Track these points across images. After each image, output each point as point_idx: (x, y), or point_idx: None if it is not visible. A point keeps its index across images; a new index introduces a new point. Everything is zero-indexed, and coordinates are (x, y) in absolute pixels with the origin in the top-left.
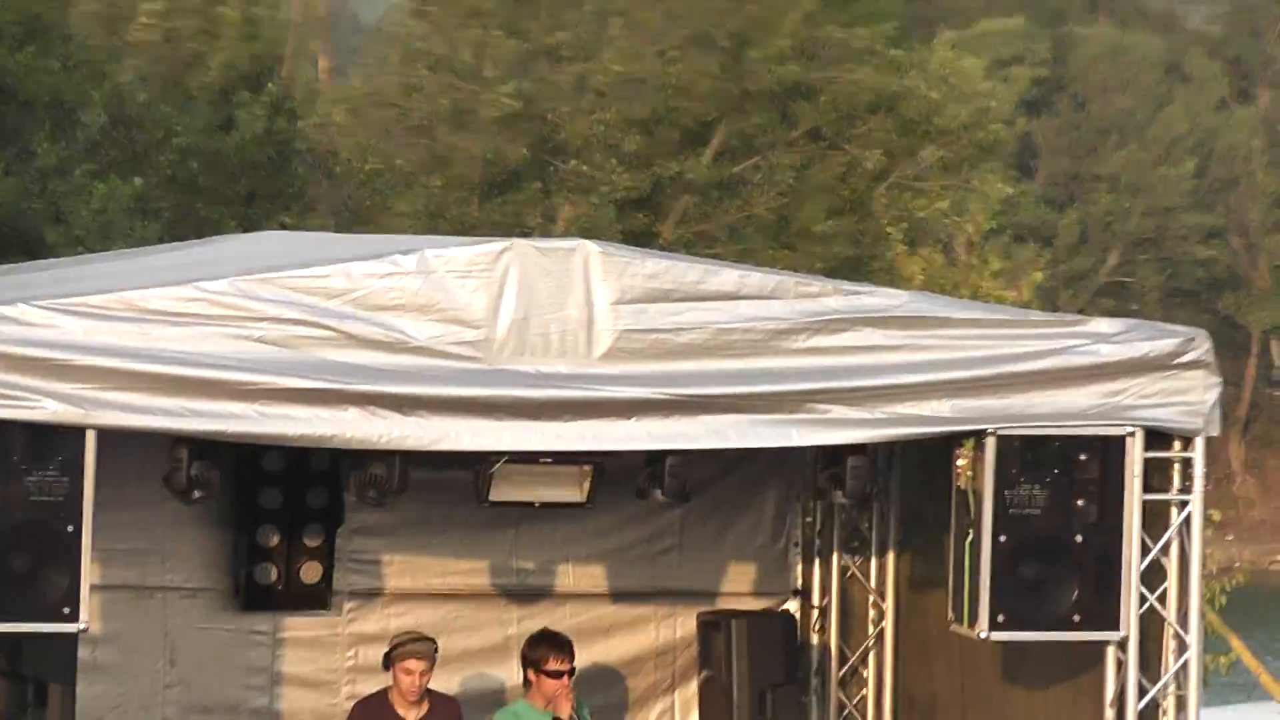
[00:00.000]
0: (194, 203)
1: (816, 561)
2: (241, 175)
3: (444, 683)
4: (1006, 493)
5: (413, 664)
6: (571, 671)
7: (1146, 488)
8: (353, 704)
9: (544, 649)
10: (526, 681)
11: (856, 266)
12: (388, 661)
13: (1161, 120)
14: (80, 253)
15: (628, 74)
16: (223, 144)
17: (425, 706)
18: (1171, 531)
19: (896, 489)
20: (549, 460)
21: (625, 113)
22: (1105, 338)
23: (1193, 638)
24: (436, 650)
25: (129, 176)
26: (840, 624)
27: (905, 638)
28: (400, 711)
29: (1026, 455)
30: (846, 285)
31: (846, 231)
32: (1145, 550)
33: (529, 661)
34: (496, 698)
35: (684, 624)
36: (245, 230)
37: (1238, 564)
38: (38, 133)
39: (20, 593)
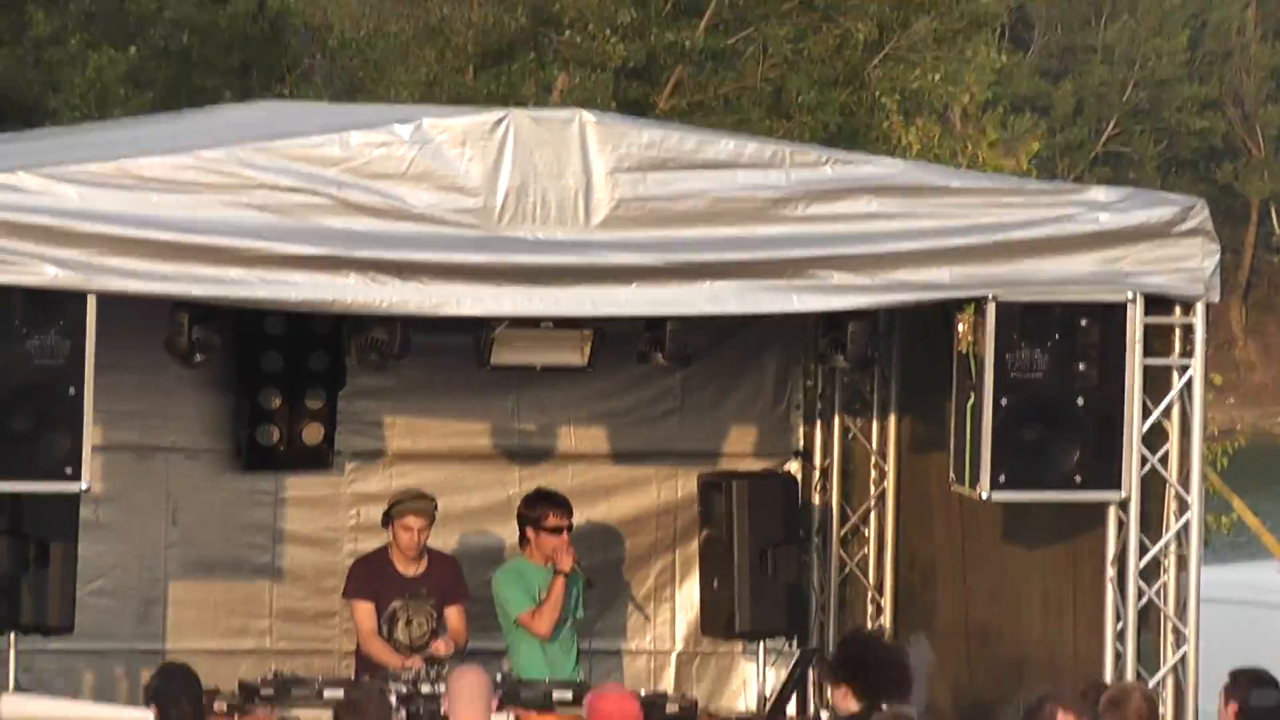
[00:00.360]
0: (188, 74)
1: (818, 423)
2: (235, 47)
3: (445, 541)
4: (1007, 356)
5: (411, 520)
6: (570, 527)
7: (1148, 352)
8: (353, 561)
9: (542, 507)
10: (524, 540)
11: (852, 137)
12: (387, 519)
13: None
14: (77, 121)
15: None
16: (215, 16)
17: (424, 563)
18: (1173, 395)
19: (897, 353)
20: (550, 325)
21: None
22: (1103, 206)
23: (1194, 497)
24: (435, 508)
25: (123, 47)
26: (842, 484)
27: (907, 498)
28: (399, 568)
29: (1027, 320)
30: (843, 154)
31: (838, 102)
32: (1146, 413)
33: (527, 519)
34: (497, 555)
35: (685, 484)
36: (240, 102)
37: (1238, 426)
38: (31, 3)
39: (23, 453)
